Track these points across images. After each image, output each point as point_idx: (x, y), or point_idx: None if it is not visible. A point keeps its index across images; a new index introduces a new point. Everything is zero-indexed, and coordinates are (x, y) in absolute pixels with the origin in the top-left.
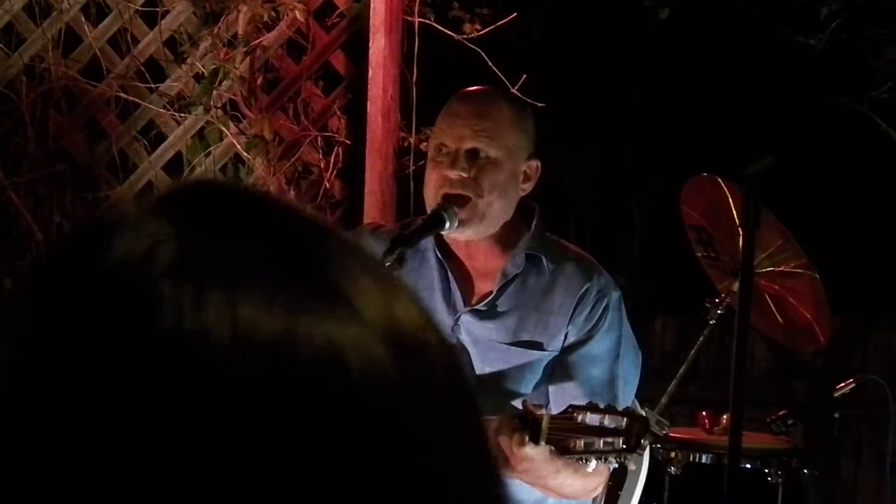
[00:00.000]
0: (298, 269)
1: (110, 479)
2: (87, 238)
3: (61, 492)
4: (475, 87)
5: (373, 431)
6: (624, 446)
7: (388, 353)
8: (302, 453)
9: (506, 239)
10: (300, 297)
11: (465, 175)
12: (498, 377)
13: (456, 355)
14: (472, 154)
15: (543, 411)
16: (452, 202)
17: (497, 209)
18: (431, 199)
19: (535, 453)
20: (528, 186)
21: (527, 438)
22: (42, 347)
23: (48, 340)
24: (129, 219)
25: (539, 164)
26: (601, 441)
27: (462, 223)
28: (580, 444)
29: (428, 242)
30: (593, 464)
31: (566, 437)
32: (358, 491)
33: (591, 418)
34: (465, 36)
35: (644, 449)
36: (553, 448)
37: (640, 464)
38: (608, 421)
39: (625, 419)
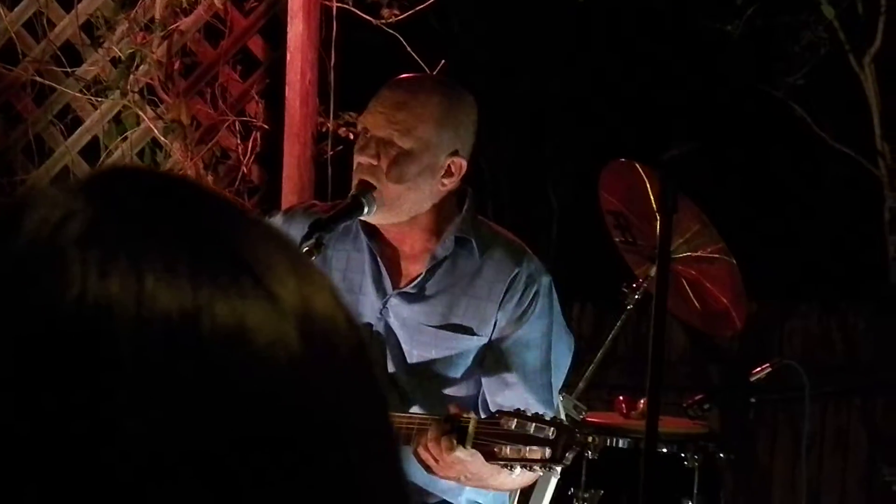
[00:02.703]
0: (209, 247)
1: (10, 453)
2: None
3: None
4: (409, 75)
5: (274, 408)
6: (550, 457)
7: (296, 334)
8: (203, 428)
9: (434, 224)
10: (209, 272)
11: (373, 162)
12: (427, 363)
13: (364, 343)
14: (383, 143)
15: (471, 415)
16: (367, 188)
17: (408, 200)
18: (353, 182)
19: (464, 455)
20: (450, 182)
21: (455, 442)
22: None
23: None
24: (45, 196)
25: (464, 162)
26: (527, 449)
27: (369, 205)
28: (506, 450)
29: (357, 224)
30: (518, 470)
31: (492, 443)
32: (254, 466)
33: (519, 425)
34: (383, 21)
35: (569, 461)
36: (477, 450)
37: None
38: (535, 429)
39: (552, 429)
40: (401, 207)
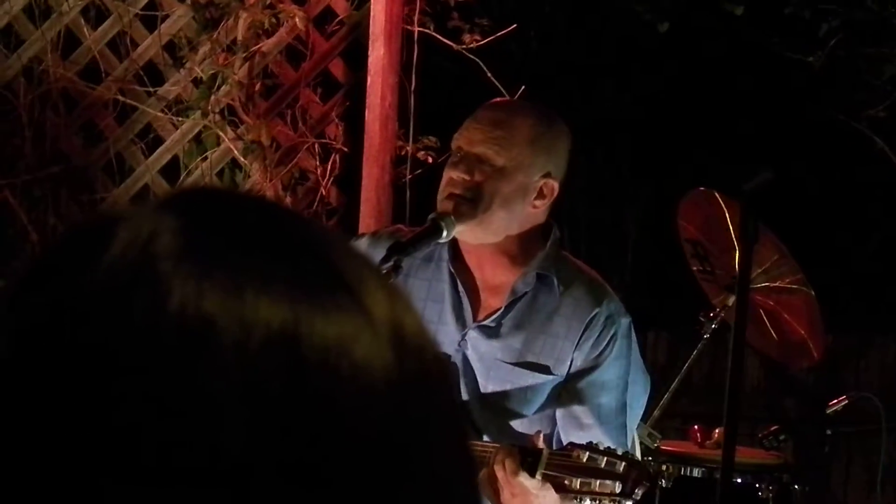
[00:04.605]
0: (304, 261)
1: (114, 468)
2: (86, 233)
3: (69, 480)
4: (505, 99)
5: (369, 424)
6: (620, 491)
7: (390, 351)
8: (302, 441)
9: (516, 253)
10: (306, 286)
11: (467, 178)
12: (501, 397)
13: (447, 365)
14: (479, 159)
15: (544, 446)
16: (453, 210)
17: (498, 218)
18: (439, 197)
19: (533, 486)
20: (541, 204)
21: (520, 468)
22: (42, 341)
23: (49, 333)
24: (130, 214)
25: (556, 185)
26: (597, 483)
27: (459, 217)
28: (576, 483)
29: (444, 253)
30: (587, 503)
31: (563, 475)
32: (346, 478)
33: (591, 458)
34: (464, 46)
35: (639, 496)
36: (547, 481)
37: None
38: (607, 463)
39: (623, 463)
40: (490, 225)
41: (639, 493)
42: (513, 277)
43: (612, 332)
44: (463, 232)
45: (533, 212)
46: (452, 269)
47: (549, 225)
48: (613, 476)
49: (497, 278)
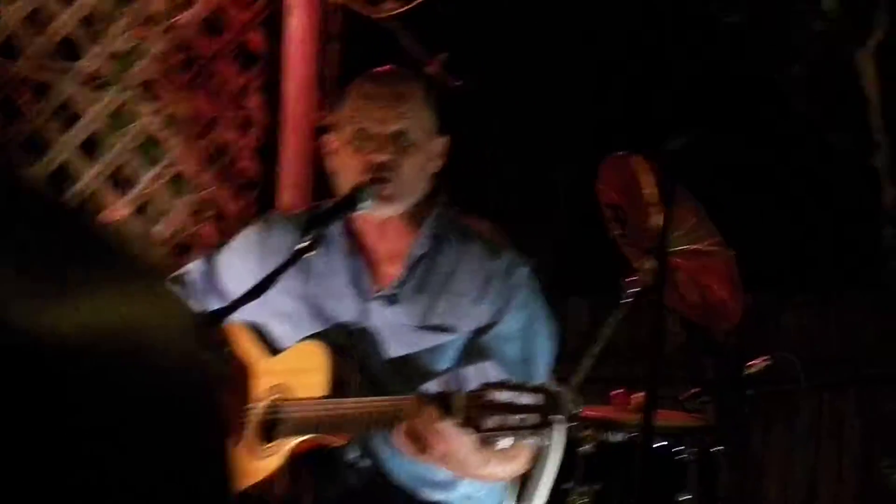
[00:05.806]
0: (109, 255)
1: None
2: None
3: None
4: (385, 69)
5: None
6: (538, 423)
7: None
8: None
9: (415, 216)
10: (128, 280)
11: (386, 158)
12: (410, 361)
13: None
14: (396, 136)
15: (457, 390)
16: (384, 193)
17: (416, 189)
18: (357, 184)
19: (452, 431)
20: (440, 163)
21: (441, 414)
22: None
23: None
24: None
25: (448, 138)
26: (515, 418)
27: (385, 200)
28: (493, 421)
29: (335, 228)
30: (508, 440)
31: (479, 415)
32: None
33: (505, 395)
34: (383, 14)
35: (558, 424)
36: (465, 424)
37: (555, 442)
38: (522, 398)
39: (540, 395)
40: (409, 198)
41: (558, 419)
42: (409, 241)
43: (511, 283)
44: (386, 210)
45: (434, 172)
46: (349, 241)
47: (436, 186)
48: (530, 409)
49: (398, 245)
